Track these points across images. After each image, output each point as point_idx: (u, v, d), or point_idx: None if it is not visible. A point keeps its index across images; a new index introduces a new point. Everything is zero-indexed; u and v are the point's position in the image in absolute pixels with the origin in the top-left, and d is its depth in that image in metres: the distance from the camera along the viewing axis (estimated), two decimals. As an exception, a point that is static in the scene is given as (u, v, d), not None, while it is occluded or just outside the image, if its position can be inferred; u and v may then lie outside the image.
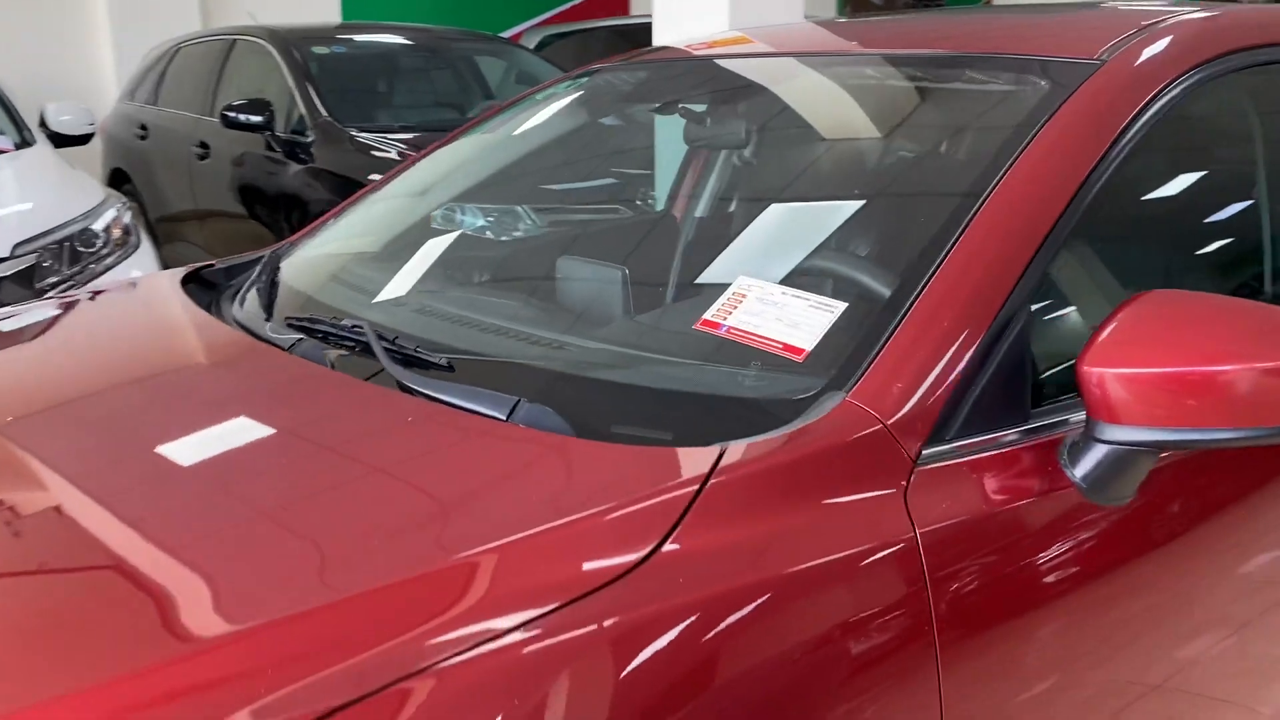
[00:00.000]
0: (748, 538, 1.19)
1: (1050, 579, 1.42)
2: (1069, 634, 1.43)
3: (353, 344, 1.69)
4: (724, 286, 1.56)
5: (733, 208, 1.87)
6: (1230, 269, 1.92)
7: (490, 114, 2.57)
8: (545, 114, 2.51)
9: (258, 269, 2.14)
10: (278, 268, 2.15)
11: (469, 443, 1.36)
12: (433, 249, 2.06)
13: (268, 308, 1.93)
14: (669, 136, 2.31)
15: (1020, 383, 1.46)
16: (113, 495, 1.35)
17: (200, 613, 1.13)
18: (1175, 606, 1.61)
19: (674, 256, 1.85)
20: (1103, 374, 1.37)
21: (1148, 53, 1.79)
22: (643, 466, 1.26)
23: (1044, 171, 1.58)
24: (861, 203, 1.83)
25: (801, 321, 1.47)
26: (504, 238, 2.09)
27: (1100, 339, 1.38)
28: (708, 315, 1.52)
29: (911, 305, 1.43)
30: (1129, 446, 1.40)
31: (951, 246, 1.49)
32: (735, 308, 1.51)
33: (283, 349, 1.68)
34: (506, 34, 8.72)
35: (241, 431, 1.48)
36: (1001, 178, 1.57)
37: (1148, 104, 1.70)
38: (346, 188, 4.96)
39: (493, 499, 1.24)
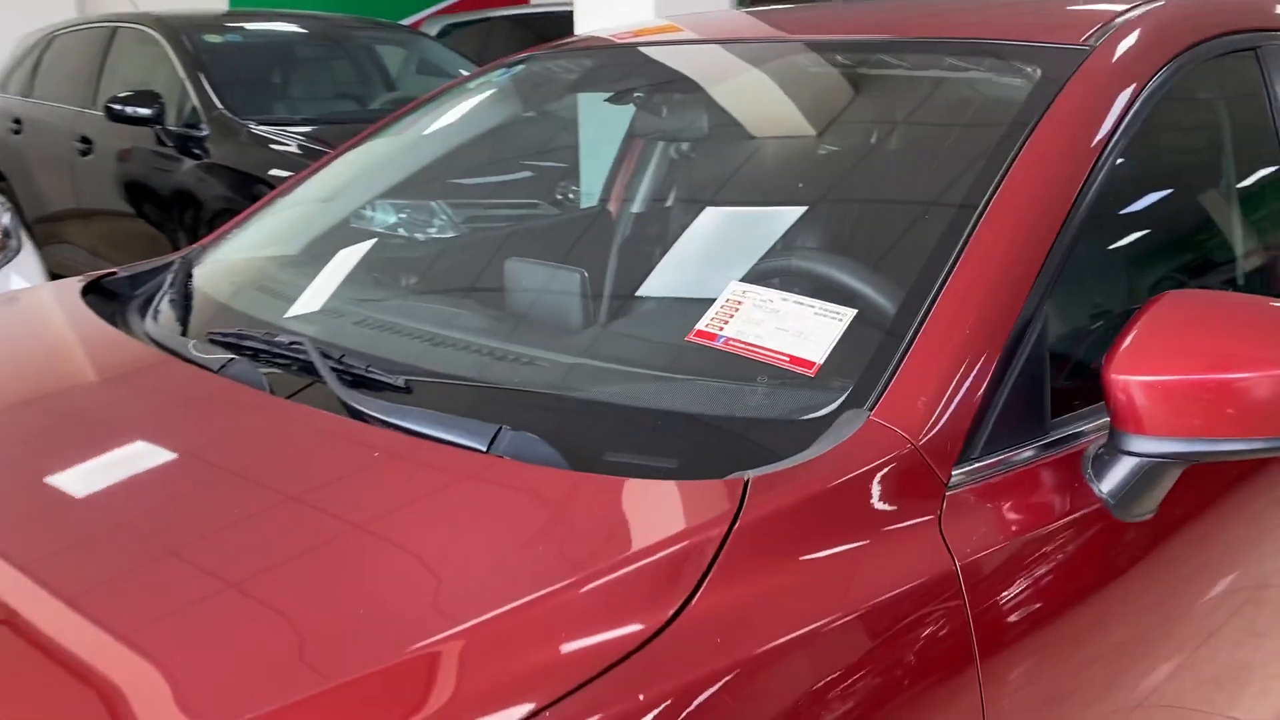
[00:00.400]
0: (784, 584, 1.04)
1: (1087, 599, 1.31)
2: (1102, 652, 1.33)
3: (289, 362, 1.49)
4: (713, 292, 1.41)
5: (714, 207, 1.71)
6: (1249, 257, 1.84)
7: (414, 106, 2.37)
8: (479, 105, 2.32)
9: (170, 277, 1.91)
10: (191, 275, 1.93)
11: (447, 481, 1.18)
12: (372, 252, 1.86)
13: (186, 321, 1.72)
14: (631, 129, 2.14)
15: (1040, 392, 1.34)
16: (17, 555, 1.14)
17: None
18: (1181, 615, 1.53)
19: (653, 260, 1.68)
20: (1130, 381, 1.26)
21: (1135, 37, 1.70)
22: (655, 504, 1.10)
23: (1049, 161, 1.47)
24: (858, 202, 1.70)
25: (807, 330, 1.32)
26: (449, 238, 1.89)
27: (1125, 344, 1.28)
28: (701, 325, 1.36)
29: (928, 311, 1.30)
30: (1160, 459, 1.30)
31: (964, 245, 1.36)
32: (731, 316, 1.35)
33: (211, 371, 1.47)
34: (405, 22, 8.41)
35: (169, 473, 1.27)
36: (1008, 169, 1.45)
37: (1144, 90, 1.61)
38: (244, 184, 4.71)
39: (482, 554, 1.05)
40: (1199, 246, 1.80)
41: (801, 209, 1.64)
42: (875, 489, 1.14)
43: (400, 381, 1.38)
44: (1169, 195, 1.75)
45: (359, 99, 5.85)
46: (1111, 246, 1.59)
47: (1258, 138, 1.92)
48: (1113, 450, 1.32)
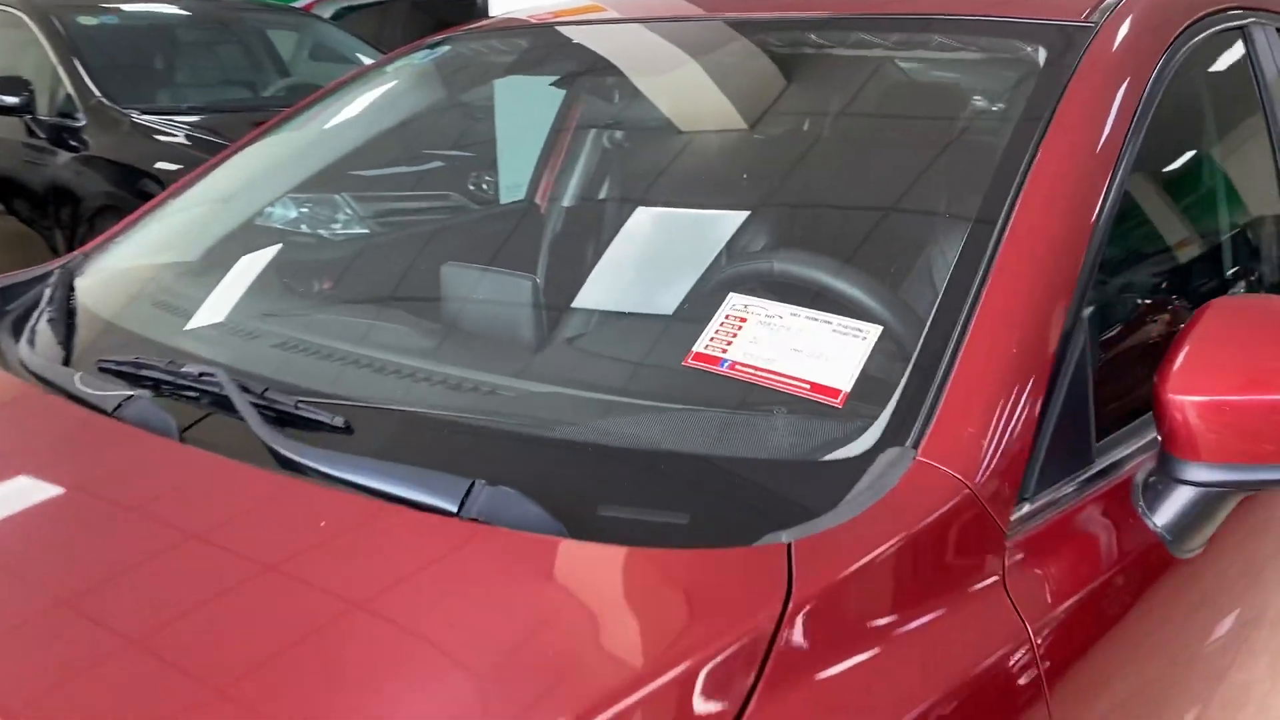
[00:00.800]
0: (846, 685, 0.84)
1: (1145, 643, 1.16)
2: (1142, 696, 1.19)
3: (200, 396, 1.25)
4: (708, 307, 1.20)
5: (695, 210, 1.49)
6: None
7: (328, 91, 2.11)
8: (399, 91, 2.08)
9: (47, 291, 1.63)
10: (73, 288, 1.65)
11: (409, 557, 0.94)
12: (292, 259, 1.61)
13: (69, 346, 1.45)
14: (595, 119, 1.91)
15: (1085, 416, 1.18)
16: None
17: None
18: (1204, 646, 1.40)
19: (633, 268, 1.45)
20: (1187, 403, 1.10)
21: (1139, 12, 1.55)
22: (680, 586, 0.88)
23: (1074, 150, 1.31)
24: (858, 201, 1.49)
25: (826, 351, 1.13)
26: (380, 241, 1.65)
27: (1179, 360, 1.12)
28: (700, 347, 1.15)
29: (966, 325, 1.11)
30: (1221, 488, 1.15)
31: (995, 247, 1.18)
32: (734, 335, 1.15)
33: (104, 412, 1.22)
34: (297, 5, 8.01)
35: (52, 553, 1.02)
36: (1031, 160, 1.28)
37: (1155, 70, 1.46)
38: (128, 178, 4.42)
39: (464, 666, 0.82)
40: (1230, 238, 1.65)
41: (792, 211, 1.44)
42: (937, 548, 0.95)
43: (340, 421, 1.15)
44: (1193, 185, 1.60)
45: (250, 86, 5.51)
46: (1144, 244, 1.44)
47: (1256, 119, 1.80)
48: (1166, 479, 1.17)
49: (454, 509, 0.98)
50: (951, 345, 1.10)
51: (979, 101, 1.57)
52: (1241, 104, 1.79)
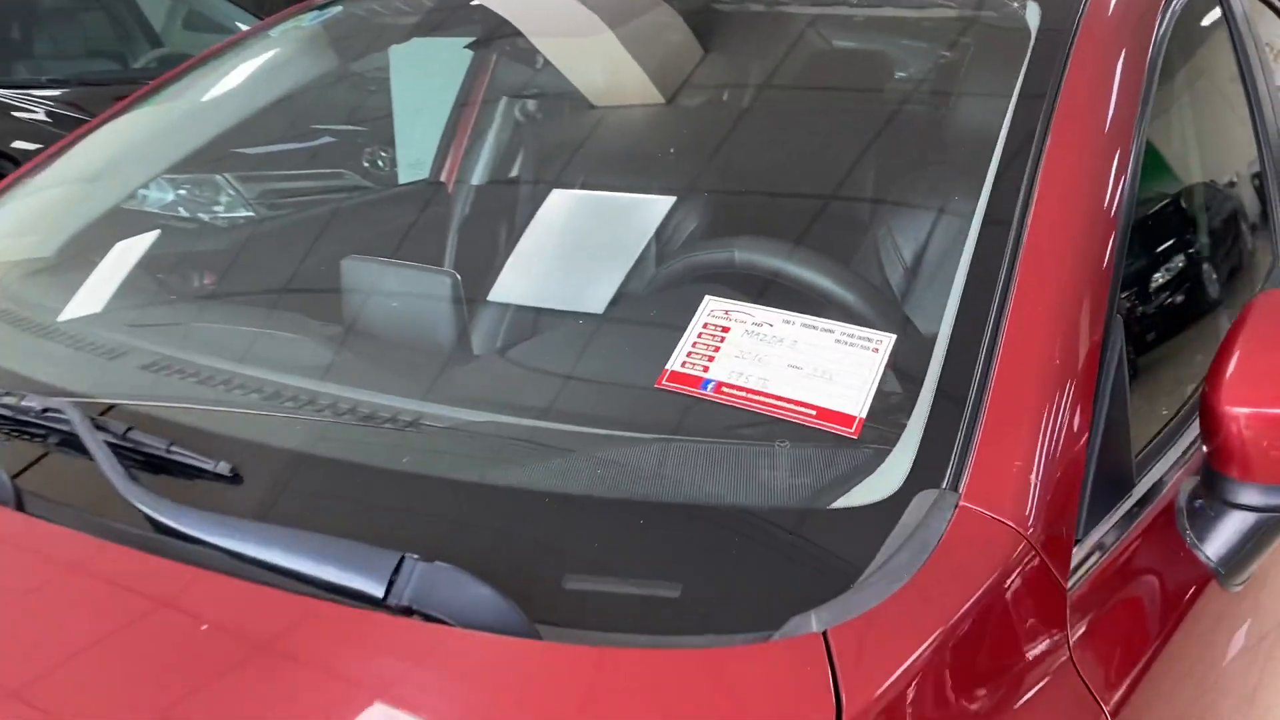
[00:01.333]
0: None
1: (1185, 671, 0.99)
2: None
3: (44, 437, 0.99)
4: (681, 313, 0.99)
5: (641, 190, 1.25)
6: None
7: (205, 56, 1.83)
8: (283, 58, 1.81)
9: None
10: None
11: (323, 676, 0.71)
12: (164, 255, 1.34)
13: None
14: (496, 86, 1.67)
15: (1125, 435, 1.00)
16: None
17: None
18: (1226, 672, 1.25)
19: (571, 262, 1.20)
20: (1244, 415, 0.94)
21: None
22: (688, 704, 0.67)
23: (1087, 128, 1.13)
24: (853, 190, 1.27)
25: (831, 367, 0.92)
26: (270, 232, 1.39)
27: (1232, 366, 0.96)
28: (675, 364, 0.94)
29: (998, 333, 0.92)
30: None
31: (1017, 238, 1.00)
32: (717, 348, 0.94)
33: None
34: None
35: None
36: (1044, 140, 1.09)
37: (1156, 29, 1.30)
38: None
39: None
40: (1242, 217, 1.50)
41: (772, 197, 1.23)
42: (999, 621, 0.75)
43: (225, 468, 0.91)
44: (1201, 159, 1.44)
45: (119, 57, 5.12)
46: (1167, 231, 1.27)
47: (1236, 82, 1.66)
48: (1215, 502, 1.00)
49: (379, 593, 0.75)
50: (982, 357, 0.90)
51: (972, 66, 1.37)
52: (1226, 67, 1.65)
